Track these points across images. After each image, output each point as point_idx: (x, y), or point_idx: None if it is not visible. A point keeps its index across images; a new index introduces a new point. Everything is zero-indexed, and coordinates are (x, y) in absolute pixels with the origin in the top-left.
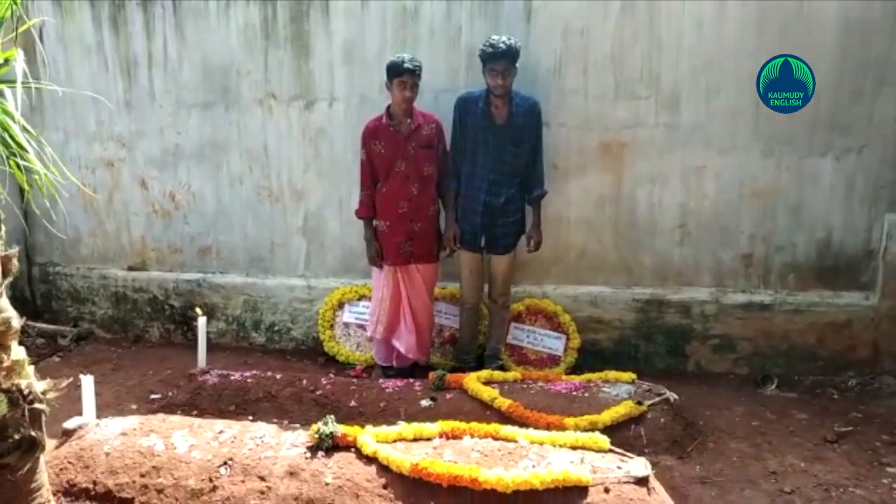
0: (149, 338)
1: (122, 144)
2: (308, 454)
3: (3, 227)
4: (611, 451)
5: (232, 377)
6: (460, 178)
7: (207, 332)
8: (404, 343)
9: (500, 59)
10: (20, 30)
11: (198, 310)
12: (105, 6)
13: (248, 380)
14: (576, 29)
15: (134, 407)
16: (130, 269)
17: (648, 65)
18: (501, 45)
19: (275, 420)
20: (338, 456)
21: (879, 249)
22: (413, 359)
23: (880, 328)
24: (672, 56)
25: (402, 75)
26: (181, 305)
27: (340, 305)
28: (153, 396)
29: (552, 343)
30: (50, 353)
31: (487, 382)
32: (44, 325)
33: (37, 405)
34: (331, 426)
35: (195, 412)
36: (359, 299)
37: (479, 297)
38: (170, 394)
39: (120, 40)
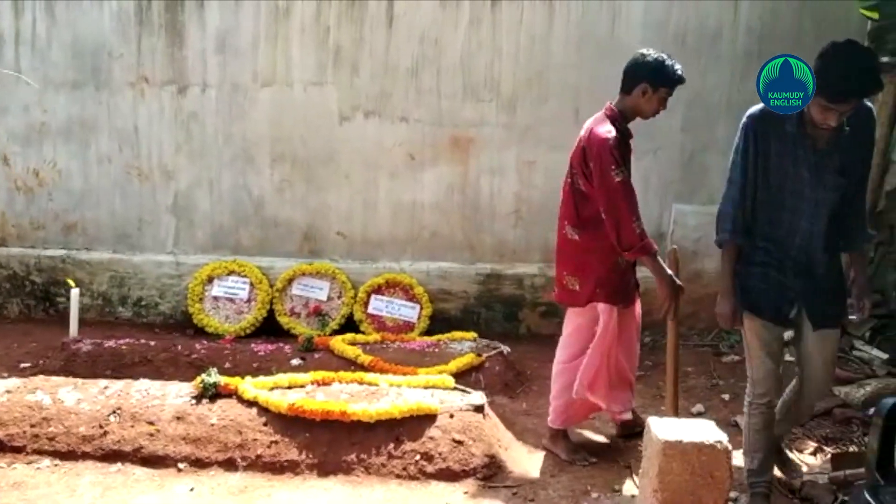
0: (7, 314)
1: None
2: (193, 402)
3: None
4: (455, 388)
5: (106, 344)
6: (743, 226)
7: None
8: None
9: (849, 101)
10: None
11: (70, 281)
12: None
13: (123, 346)
14: (431, 37)
15: (6, 375)
16: None
17: (491, 72)
18: (854, 85)
19: None
20: (221, 402)
21: (668, 232)
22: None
23: None
24: (510, 66)
25: (674, 86)
26: (43, 281)
27: (210, 280)
28: (23, 365)
29: (407, 312)
30: None
31: (352, 344)
32: None
33: None
34: (214, 377)
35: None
36: (228, 275)
37: (779, 391)
38: (41, 362)
39: None
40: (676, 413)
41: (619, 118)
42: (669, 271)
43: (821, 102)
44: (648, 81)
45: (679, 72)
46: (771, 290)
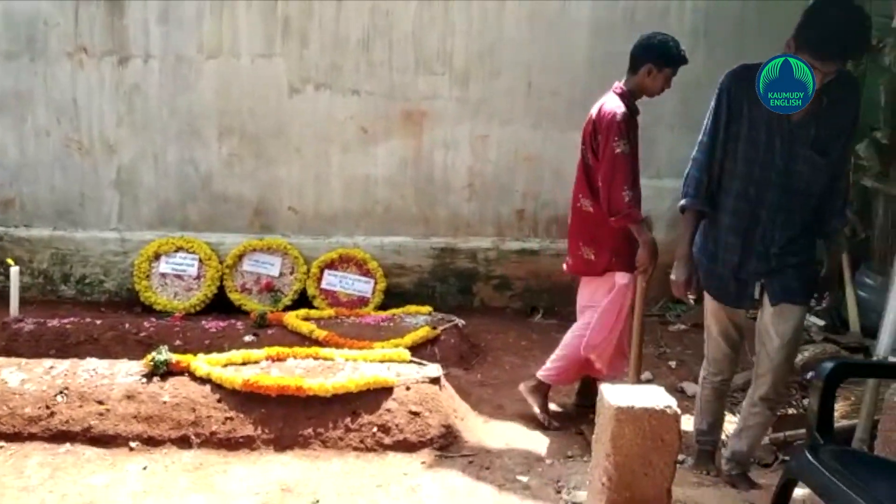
0: None
1: None
2: (144, 380)
3: None
4: (411, 361)
5: (49, 323)
6: (707, 192)
7: None
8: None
9: (833, 60)
10: None
11: (9, 260)
12: None
13: (67, 325)
14: (382, 9)
15: None
16: None
17: (443, 45)
18: (834, 46)
19: None
20: (173, 380)
21: None
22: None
23: None
24: (463, 40)
25: (677, 67)
26: None
27: (157, 257)
28: None
29: (362, 287)
30: None
31: (306, 319)
32: None
33: None
34: (164, 354)
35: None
36: (176, 251)
37: (732, 371)
38: None
39: None
40: (639, 371)
41: (628, 96)
42: (652, 236)
43: (804, 59)
44: (653, 62)
45: (682, 53)
46: (733, 276)
